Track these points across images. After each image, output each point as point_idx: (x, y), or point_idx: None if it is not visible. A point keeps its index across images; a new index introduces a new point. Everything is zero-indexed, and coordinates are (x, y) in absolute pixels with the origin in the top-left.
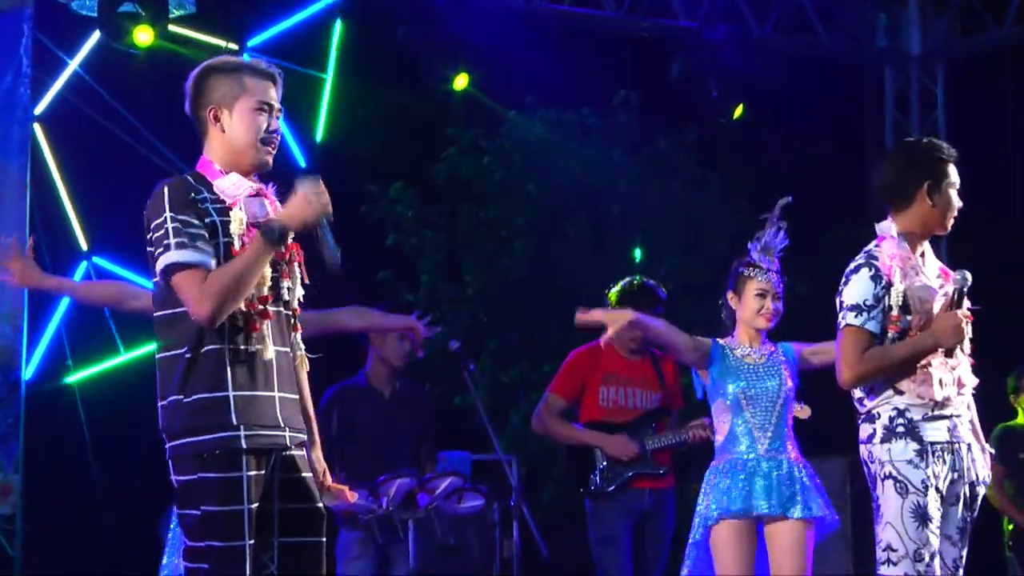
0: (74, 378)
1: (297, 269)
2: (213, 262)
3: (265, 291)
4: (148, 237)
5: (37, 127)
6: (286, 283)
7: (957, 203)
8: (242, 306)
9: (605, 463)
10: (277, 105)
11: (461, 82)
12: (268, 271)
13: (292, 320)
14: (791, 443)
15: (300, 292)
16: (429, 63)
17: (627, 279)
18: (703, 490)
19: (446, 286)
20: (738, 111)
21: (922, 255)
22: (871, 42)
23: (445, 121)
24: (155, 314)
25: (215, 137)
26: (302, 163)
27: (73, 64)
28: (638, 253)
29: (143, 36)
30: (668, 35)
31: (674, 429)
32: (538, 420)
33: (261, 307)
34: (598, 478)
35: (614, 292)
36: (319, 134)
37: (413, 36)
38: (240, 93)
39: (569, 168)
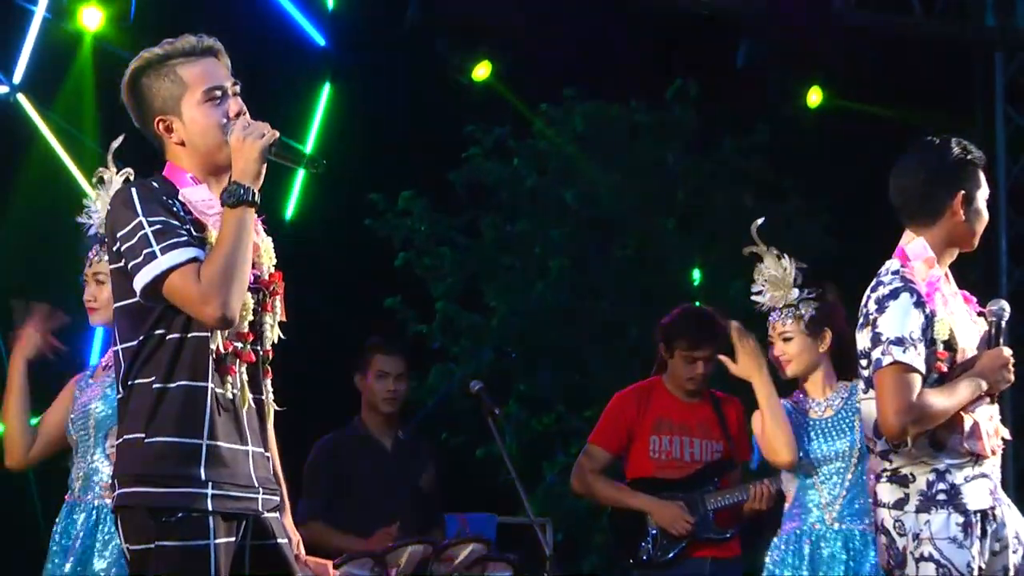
0: None
1: (278, 304)
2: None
3: (245, 327)
4: (115, 249)
5: None
6: (266, 317)
7: (987, 216)
8: (220, 344)
9: (658, 528)
10: (231, 81)
11: (482, 71)
12: (251, 303)
13: (265, 363)
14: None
15: (278, 331)
16: (444, 50)
17: (683, 307)
18: (765, 567)
19: (466, 315)
20: (814, 100)
21: (946, 277)
22: (978, 20)
23: (464, 118)
24: (121, 346)
25: (177, 150)
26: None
27: None
28: (697, 275)
29: (91, 18)
30: (733, 12)
31: (740, 485)
32: (577, 477)
33: (240, 345)
34: (650, 546)
35: (667, 322)
36: (309, 144)
37: (425, 18)
38: (181, 92)
39: (614, 173)
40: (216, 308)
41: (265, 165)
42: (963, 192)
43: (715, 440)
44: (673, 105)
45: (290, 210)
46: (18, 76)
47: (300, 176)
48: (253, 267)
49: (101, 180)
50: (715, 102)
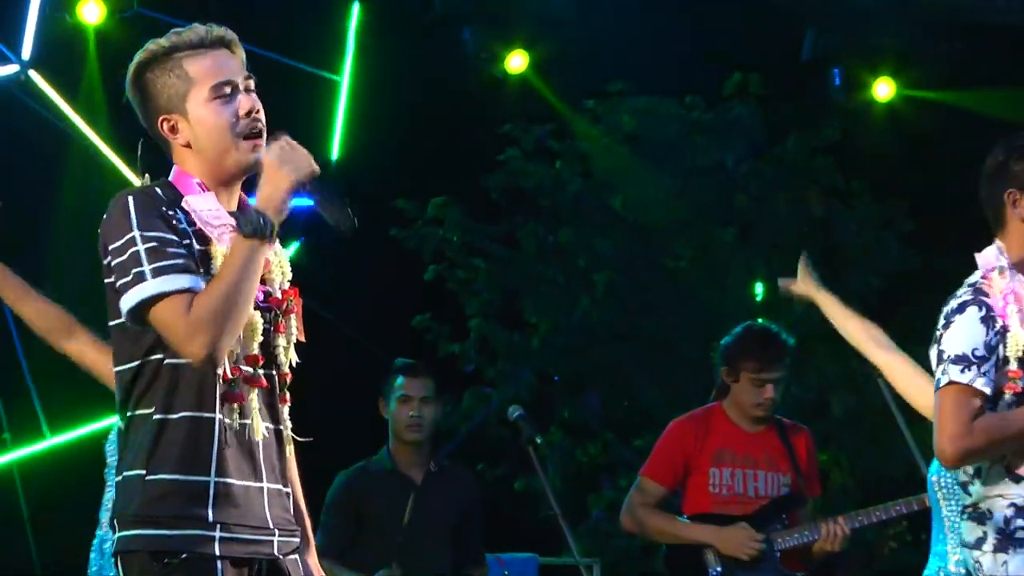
0: (11, 456)
1: (293, 323)
2: (203, 284)
3: (255, 349)
4: (106, 264)
5: None
6: (280, 339)
7: None
8: (227, 369)
9: (720, 569)
10: (243, 75)
11: (518, 62)
12: (259, 323)
13: (282, 388)
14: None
15: (293, 354)
16: (475, 39)
17: (745, 324)
18: None
19: (503, 334)
20: (884, 93)
21: None
22: None
23: (500, 116)
24: (117, 368)
25: (183, 153)
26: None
27: None
28: (760, 289)
29: (91, 12)
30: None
31: (809, 523)
32: (628, 512)
33: (250, 371)
34: None
35: (732, 342)
36: (334, 149)
37: (453, 4)
38: (187, 88)
39: (667, 177)
40: (201, 347)
41: (292, 200)
42: (1011, 190)
43: (782, 473)
44: (732, 101)
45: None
46: (27, 52)
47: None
48: (263, 283)
49: None
50: (778, 97)
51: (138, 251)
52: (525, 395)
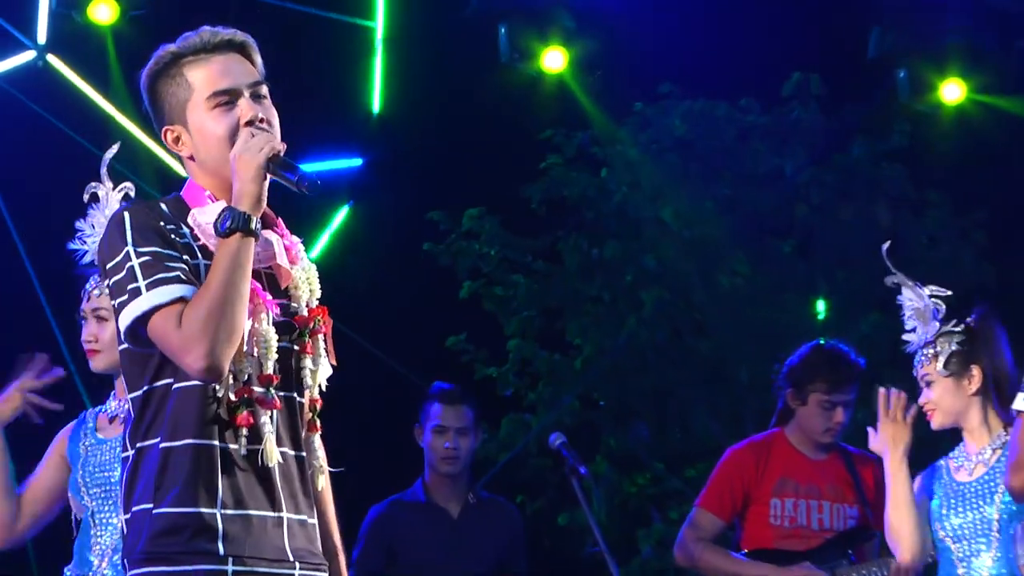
0: None
1: (322, 343)
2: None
3: (269, 367)
4: (105, 284)
5: None
6: (306, 361)
7: None
8: (230, 392)
9: None
10: (250, 81)
11: (556, 61)
12: (273, 339)
13: (311, 414)
14: None
15: (325, 375)
16: (505, 34)
17: (809, 345)
18: None
19: (544, 356)
20: (953, 95)
21: None
22: None
23: (541, 120)
24: (130, 395)
25: (191, 165)
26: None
27: None
28: (823, 307)
29: (103, 12)
30: None
31: (878, 559)
32: (682, 548)
33: (261, 391)
34: None
35: (798, 363)
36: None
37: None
38: (187, 96)
39: (721, 186)
40: (197, 358)
41: (266, 184)
42: None
43: (849, 504)
44: (791, 103)
45: (323, 240)
46: (42, 36)
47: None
48: (290, 298)
49: (95, 197)
50: (842, 99)
51: (133, 267)
52: (568, 422)
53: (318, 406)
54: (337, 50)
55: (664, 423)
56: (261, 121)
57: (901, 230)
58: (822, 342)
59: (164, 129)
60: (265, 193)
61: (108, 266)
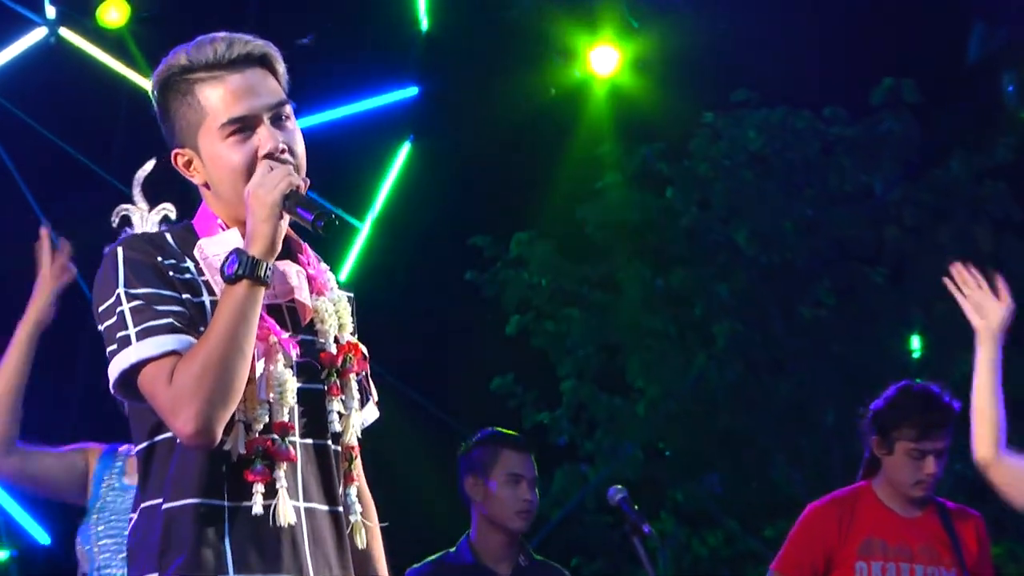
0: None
1: (353, 384)
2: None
3: (284, 414)
4: (99, 328)
5: None
6: (334, 404)
7: None
8: (239, 445)
9: None
10: (270, 103)
11: (605, 63)
12: (290, 383)
13: (346, 463)
14: None
15: (361, 420)
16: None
17: (901, 384)
18: None
19: (602, 399)
20: None
21: None
22: None
23: (595, 133)
24: (135, 450)
25: (205, 192)
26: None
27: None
28: (918, 343)
29: (113, 15)
30: None
31: None
32: None
33: (276, 441)
34: None
35: (884, 406)
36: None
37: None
38: (199, 119)
39: (803, 205)
40: (186, 421)
41: (284, 225)
42: None
43: (945, 567)
44: (881, 113)
45: (348, 265)
46: (51, 11)
47: (367, 225)
48: (316, 334)
49: (127, 221)
50: (938, 108)
51: (123, 311)
52: (629, 474)
53: (354, 454)
54: None
55: (739, 474)
56: (282, 152)
57: (1004, 255)
58: (913, 383)
59: (175, 152)
60: (281, 234)
61: (100, 309)
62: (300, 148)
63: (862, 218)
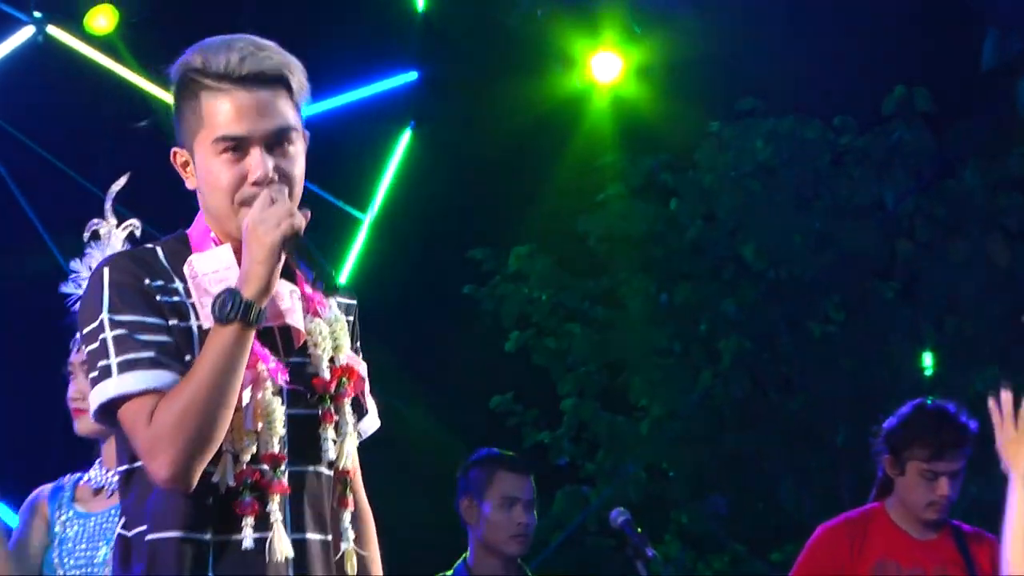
0: None
1: (348, 409)
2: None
3: (275, 445)
4: (84, 351)
5: None
6: (327, 431)
7: None
8: (228, 477)
9: None
10: (266, 129)
11: (608, 69)
12: (278, 412)
13: (340, 489)
14: None
15: (354, 445)
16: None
17: (911, 404)
18: None
19: (604, 418)
20: None
21: None
22: None
23: (596, 143)
24: (117, 469)
25: (199, 197)
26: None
27: None
28: (930, 360)
29: (101, 21)
30: None
31: None
32: None
33: (266, 472)
34: None
35: (897, 424)
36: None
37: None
38: (197, 127)
39: (811, 218)
40: (161, 466)
41: (280, 265)
42: None
43: None
44: (893, 122)
45: (346, 272)
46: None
47: (366, 223)
48: (309, 356)
49: (96, 235)
50: (952, 117)
51: (106, 339)
52: (632, 495)
53: (350, 478)
54: None
55: (745, 496)
56: (270, 182)
57: (1020, 270)
58: (927, 401)
59: (175, 150)
60: (277, 276)
61: (84, 331)
62: (297, 171)
63: (873, 231)
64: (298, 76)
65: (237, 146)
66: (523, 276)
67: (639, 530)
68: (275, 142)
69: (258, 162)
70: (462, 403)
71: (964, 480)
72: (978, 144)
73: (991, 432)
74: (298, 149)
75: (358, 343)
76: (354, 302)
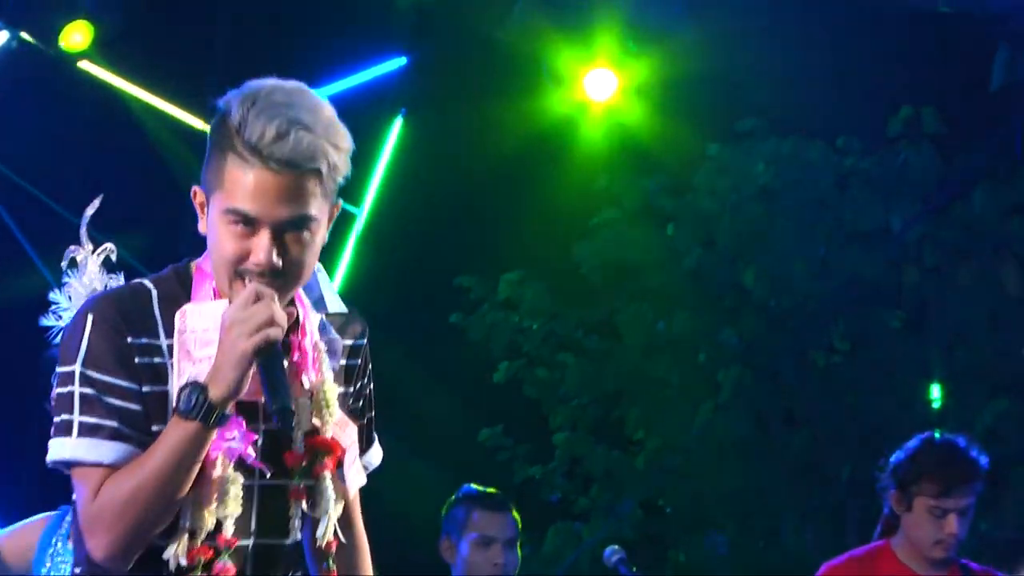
0: None
1: (327, 481)
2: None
3: (229, 528)
4: (54, 391)
5: None
6: (294, 508)
7: None
8: (181, 555)
9: None
10: (279, 217)
11: (603, 87)
12: (233, 488)
13: (325, 560)
14: None
15: (333, 520)
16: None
17: (919, 438)
18: None
19: (599, 452)
20: None
21: None
22: None
23: (589, 165)
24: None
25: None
26: None
27: None
28: (937, 392)
29: (76, 38)
30: (987, 12)
31: None
32: None
33: (218, 554)
34: None
35: (903, 460)
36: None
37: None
38: (216, 184)
39: (814, 244)
40: (97, 548)
41: (251, 371)
42: None
43: None
44: (899, 144)
45: (337, 280)
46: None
47: (351, 242)
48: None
49: (73, 263)
50: (961, 139)
51: (73, 393)
52: (627, 533)
53: (330, 551)
54: None
55: (746, 533)
56: (270, 269)
57: None
58: (935, 434)
59: (194, 189)
60: (247, 381)
61: (59, 370)
62: (308, 258)
63: (878, 258)
64: (334, 158)
65: (247, 221)
66: (513, 304)
67: (634, 569)
68: (288, 228)
69: (262, 247)
70: (451, 436)
71: (973, 517)
72: (988, 166)
73: (1001, 467)
74: (315, 236)
75: (363, 380)
76: (363, 342)
